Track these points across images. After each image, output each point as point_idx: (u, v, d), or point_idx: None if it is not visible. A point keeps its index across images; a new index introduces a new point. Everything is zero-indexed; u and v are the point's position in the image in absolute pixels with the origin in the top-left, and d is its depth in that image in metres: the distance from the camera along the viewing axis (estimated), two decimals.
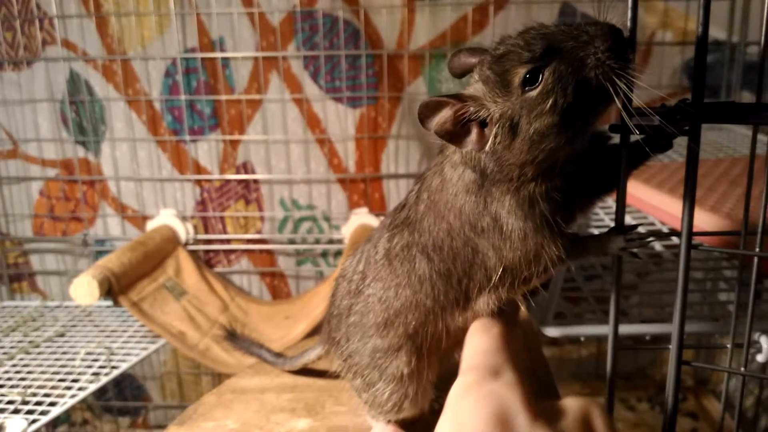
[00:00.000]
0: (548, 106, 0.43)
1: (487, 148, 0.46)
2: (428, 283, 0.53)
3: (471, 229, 0.49)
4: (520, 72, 0.43)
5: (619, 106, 0.42)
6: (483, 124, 0.46)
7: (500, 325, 0.51)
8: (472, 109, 0.45)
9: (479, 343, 0.48)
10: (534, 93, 0.43)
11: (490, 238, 0.49)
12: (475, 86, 0.47)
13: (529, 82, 0.43)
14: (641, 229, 0.54)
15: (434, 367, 0.59)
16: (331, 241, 1.47)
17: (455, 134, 0.46)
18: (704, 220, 0.77)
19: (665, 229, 0.87)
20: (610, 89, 0.42)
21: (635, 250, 0.51)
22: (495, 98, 0.45)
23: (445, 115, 0.45)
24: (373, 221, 1.39)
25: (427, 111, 0.45)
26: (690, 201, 0.47)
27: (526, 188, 0.47)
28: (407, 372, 0.56)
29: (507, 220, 0.48)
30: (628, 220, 0.92)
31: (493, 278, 0.50)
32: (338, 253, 1.48)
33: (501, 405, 0.39)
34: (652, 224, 0.90)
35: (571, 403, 0.42)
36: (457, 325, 0.54)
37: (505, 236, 0.48)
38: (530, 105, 0.43)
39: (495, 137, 0.45)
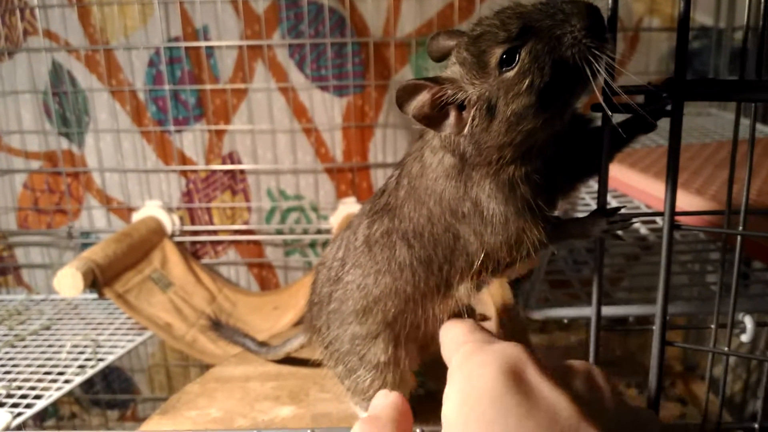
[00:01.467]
0: (525, 86, 0.42)
1: (465, 131, 0.45)
2: (409, 269, 0.52)
3: (452, 214, 0.49)
4: (497, 52, 0.42)
5: (594, 85, 0.41)
6: (461, 107, 0.45)
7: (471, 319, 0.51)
8: (449, 92, 0.44)
9: (459, 329, 0.48)
10: (511, 73, 0.42)
11: (471, 223, 0.48)
12: (452, 68, 0.46)
13: (506, 62, 0.42)
14: (625, 211, 0.54)
15: (413, 356, 0.58)
16: (319, 231, 1.47)
17: (433, 118, 0.45)
18: (690, 202, 0.77)
19: None
20: (586, 68, 0.41)
21: (619, 232, 0.50)
22: (472, 80, 0.44)
23: (422, 98, 0.44)
24: None
25: (404, 95, 0.44)
26: (672, 179, 0.47)
27: (505, 171, 0.46)
28: (384, 360, 0.56)
29: (487, 204, 0.47)
30: (614, 204, 0.92)
31: (475, 264, 0.50)
32: (326, 243, 1.47)
33: (509, 360, 0.39)
34: (638, 208, 0.90)
35: (574, 363, 0.43)
36: (437, 312, 0.54)
37: (486, 221, 0.48)
38: (507, 86, 0.43)
39: (473, 120, 0.44)
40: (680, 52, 0.45)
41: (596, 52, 0.41)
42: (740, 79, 0.46)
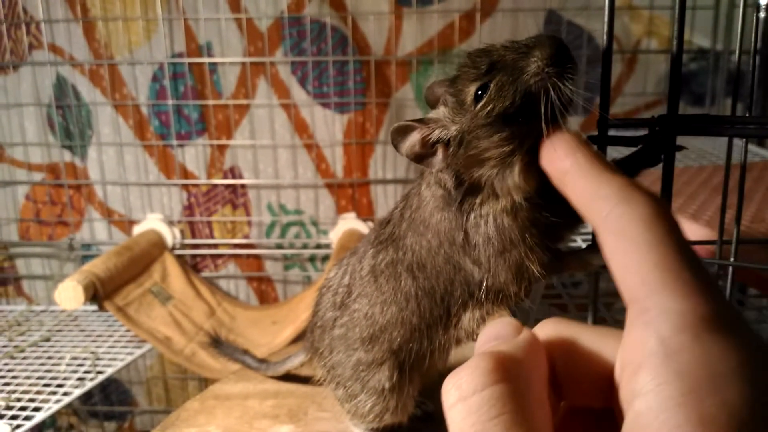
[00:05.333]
0: (486, 112, 0.44)
1: (444, 164, 0.47)
2: (414, 300, 0.53)
3: (450, 246, 0.50)
4: (471, 89, 0.45)
5: (544, 113, 0.41)
6: (448, 144, 0.47)
7: None
8: (436, 131, 0.46)
9: None
10: (480, 105, 0.44)
11: (469, 254, 0.49)
12: (438, 109, 0.48)
13: (479, 98, 0.44)
14: None
15: (415, 384, 0.59)
16: (318, 246, 1.48)
17: (424, 156, 0.48)
18: (684, 228, 0.78)
19: None
20: (543, 96, 0.42)
21: None
22: (453, 118, 0.46)
23: (413, 138, 0.47)
24: (361, 226, 1.40)
25: (397, 136, 0.47)
26: None
27: (493, 203, 0.47)
28: (388, 386, 0.57)
29: (480, 235, 0.48)
30: None
31: (476, 294, 0.51)
32: (326, 258, 1.48)
33: None
34: None
35: None
36: (443, 343, 0.55)
37: (481, 252, 0.49)
38: (476, 116, 0.44)
39: (453, 153, 0.46)
40: (673, 87, 0.46)
41: (556, 80, 0.42)
42: (731, 115, 0.48)
